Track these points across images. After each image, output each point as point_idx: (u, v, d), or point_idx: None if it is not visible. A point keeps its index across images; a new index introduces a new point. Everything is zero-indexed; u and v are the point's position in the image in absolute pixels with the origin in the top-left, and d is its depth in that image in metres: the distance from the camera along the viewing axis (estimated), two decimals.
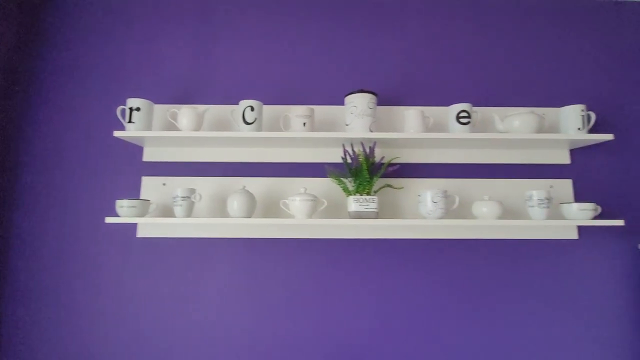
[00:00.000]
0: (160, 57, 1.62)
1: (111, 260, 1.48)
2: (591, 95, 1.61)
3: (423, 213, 1.36)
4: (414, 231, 1.50)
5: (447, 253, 1.50)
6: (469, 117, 1.38)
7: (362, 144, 1.42)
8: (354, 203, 1.34)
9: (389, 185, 1.44)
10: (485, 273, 1.49)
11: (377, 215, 1.34)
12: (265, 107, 1.53)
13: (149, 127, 1.41)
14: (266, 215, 1.49)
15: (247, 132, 1.35)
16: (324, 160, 1.53)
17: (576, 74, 1.62)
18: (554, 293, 1.48)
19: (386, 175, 1.45)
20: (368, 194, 1.37)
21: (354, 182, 1.39)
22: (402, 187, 1.48)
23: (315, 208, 1.35)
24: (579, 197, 1.53)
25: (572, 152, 1.57)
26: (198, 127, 1.41)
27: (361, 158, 1.37)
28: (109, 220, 1.33)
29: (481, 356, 1.45)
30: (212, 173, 1.53)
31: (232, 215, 1.35)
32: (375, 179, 1.38)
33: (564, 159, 1.55)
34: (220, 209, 1.49)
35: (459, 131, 1.38)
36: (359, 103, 1.38)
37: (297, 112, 1.38)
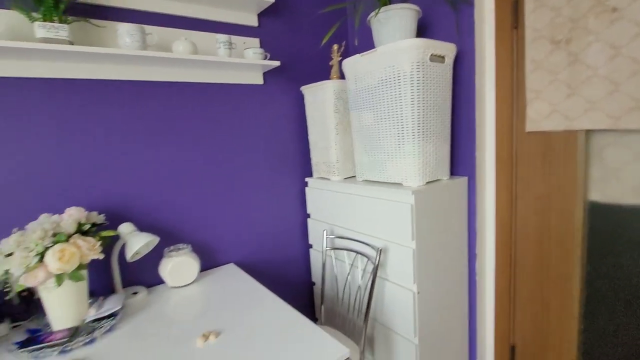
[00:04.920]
0: None
1: None
2: None
3: (121, 45, 1.50)
4: (117, 71, 1.62)
5: (151, 95, 1.73)
6: None
7: None
8: (40, 29, 1.32)
9: (86, 20, 1.47)
10: (189, 113, 1.83)
11: (71, 44, 1.38)
12: None
13: None
14: None
15: None
16: None
17: None
18: (246, 127, 2.01)
19: (86, 13, 1.48)
20: (60, 21, 1.37)
21: (40, 11, 1.34)
22: (105, 26, 1.55)
23: None
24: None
25: (260, 17, 2.02)
26: None
27: None
28: None
29: (188, 178, 1.86)
30: None
31: None
32: (61, 6, 1.37)
33: (253, 22, 2.00)
34: None
35: None
36: None
37: None
